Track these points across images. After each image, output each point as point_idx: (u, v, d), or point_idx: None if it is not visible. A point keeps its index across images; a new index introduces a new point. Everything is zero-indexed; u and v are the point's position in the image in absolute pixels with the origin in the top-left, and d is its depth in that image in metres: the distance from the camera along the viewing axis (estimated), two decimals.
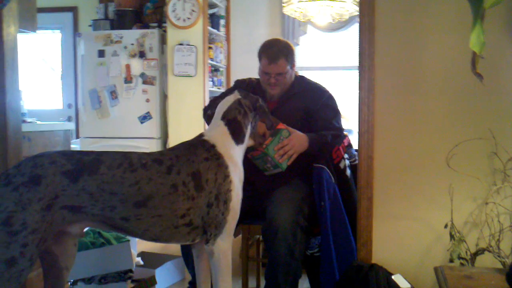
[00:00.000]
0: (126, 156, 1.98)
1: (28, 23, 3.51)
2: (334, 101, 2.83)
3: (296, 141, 2.54)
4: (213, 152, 2.10)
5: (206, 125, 2.70)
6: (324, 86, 2.88)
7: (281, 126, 2.53)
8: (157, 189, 1.95)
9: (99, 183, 1.87)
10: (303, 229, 2.46)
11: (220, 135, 2.18)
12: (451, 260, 1.99)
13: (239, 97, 2.29)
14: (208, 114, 2.39)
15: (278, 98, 2.78)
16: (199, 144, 2.13)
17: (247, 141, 2.31)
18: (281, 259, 2.41)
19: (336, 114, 2.80)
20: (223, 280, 2.12)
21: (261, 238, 3.21)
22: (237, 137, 2.22)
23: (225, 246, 2.10)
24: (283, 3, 4.77)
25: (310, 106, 2.73)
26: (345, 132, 3.16)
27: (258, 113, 2.32)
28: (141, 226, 1.97)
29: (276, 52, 2.70)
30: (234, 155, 2.18)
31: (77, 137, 5.85)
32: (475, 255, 2.02)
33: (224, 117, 2.24)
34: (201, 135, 2.21)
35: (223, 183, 2.06)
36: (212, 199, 2.04)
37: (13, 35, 2.69)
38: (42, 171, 1.81)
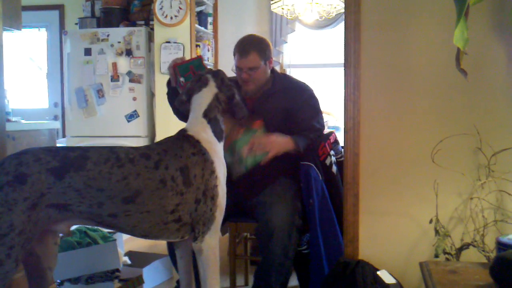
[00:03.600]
0: (113, 151, 1.94)
1: (13, 21, 3.48)
2: (315, 100, 2.79)
3: (270, 141, 2.51)
4: (199, 148, 2.09)
5: (173, 109, 2.65)
6: (306, 84, 2.85)
7: (258, 125, 2.53)
8: (145, 184, 1.92)
9: (86, 179, 1.83)
10: (297, 228, 2.47)
11: (203, 132, 2.17)
12: (437, 255, 2.00)
13: (216, 91, 2.26)
14: (183, 100, 2.33)
15: (259, 97, 2.75)
16: (185, 139, 2.12)
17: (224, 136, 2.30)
18: (276, 259, 2.42)
19: (316, 113, 2.77)
20: (212, 278, 2.10)
21: (248, 236, 3.21)
22: (218, 134, 2.22)
23: (213, 243, 2.09)
24: (271, 0, 4.77)
25: (290, 105, 2.70)
26: (331, 130, 3.16)
27: (233, 108, 2.30)
28: (130, 222, 1.94)
29: (247, 46, 2.68)
30: (218, 151, 2.18)
31: (64, 136, 5.81)
32: (460, 250, 2.03)
33: (205, 115, 2.22)
34: (184, 130, 2.19)
35: (210, 179, 2.06)
36: (200, 195, 2.02)
37: None
38: (27, 169, 1.76)
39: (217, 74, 2.32)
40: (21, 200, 1.73)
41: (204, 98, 2.25)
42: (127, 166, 1.91)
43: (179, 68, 2.48)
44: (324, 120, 2.97)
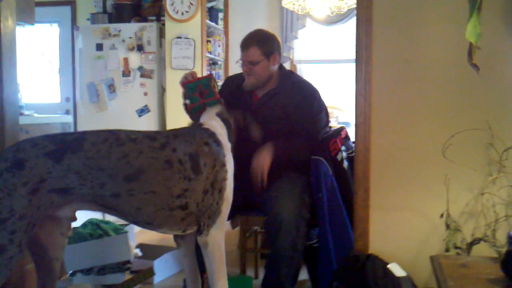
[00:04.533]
0: (112, 133, 1.94)
1: (26, 15, 3.50)
2: (314, 101, 2.74)
3: (257, 163, 2.56)
4: (214, 139, 2.11)
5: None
6: (309, 83, 2.82)
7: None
8: (148, 162, 1.90)
9: (84, 160, 1.82)
10: (306, 222, 2.48)
11: (219, 128, 2.22)
12: (447, 250, 2.01)
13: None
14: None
15: (262, 95, 2.76)
16: (200, 129, 2.14)
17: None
18: (285, 252, 2.43)
19: (312, 116, 2.71)
20: (219, 270, 2.10)
21: (258, 229, 3.23)
22: (230, 135, 2.27)
23: (219, 236, 2.08)
24: None
25: (288, 105, 2.69)
26: (342, 125, 3.16)
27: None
28: (134, 203, 1.91)
29: (249, 40, 2.70)
30: (229, 148, 2.21)
31: (75, 130, 5.86)
32: (471, 244, 2.04)
33: (219, 115, 2.28)
34: (200, 123, 2.23)
35: (220, 171, 2.06)
36: (208, 186, 2.02)
37: (11, 28, 2.69)
38: (24, 154, 1.78)
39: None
40: (20, 185, 1.74)
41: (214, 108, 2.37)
42: (128, 145, 1.90)
43: (187, 86, 2.47)
44: (335, 116, 2.97)
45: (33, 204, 1.76)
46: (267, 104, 2.69)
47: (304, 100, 2.71)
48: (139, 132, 2.00)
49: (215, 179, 2.04)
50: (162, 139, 1.99)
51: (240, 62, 2.74)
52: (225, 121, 2.29)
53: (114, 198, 1.88)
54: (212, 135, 2.13)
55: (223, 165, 2.08)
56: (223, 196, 2.07)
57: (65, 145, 1.83)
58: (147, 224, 2.02)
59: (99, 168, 1.84)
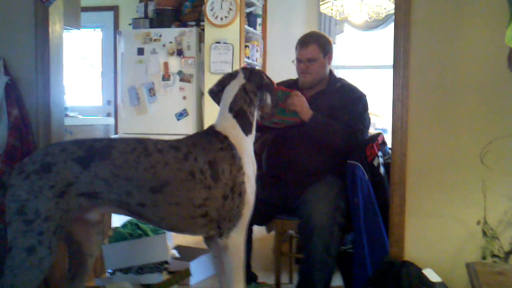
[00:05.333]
0: (140, 142, 1.96)
1: (73, 20, 3.64)
2: (360, 103, 2.78)
3: (300, 100, 2.61)
4: (227, 143, 2.06)
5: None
6: (359, 89, 2.86)
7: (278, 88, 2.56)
8: (174, 174, 1.92)
9: (112, 168, 1.86)
10: (339, 226, 2.48)
11: (231, 128, 2.13)
12: (484, 258, 1.98)
13: (244, 81, 2.21)
14: (214, 91, 2.31)
15: (311, 95, 2.79)
16: (213, 135, 2.10)
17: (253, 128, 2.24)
18: (318, 256, 2.44)
19: (355, 116, 2.74)
20: (237, 273, 2.08)
21: (293, 234, 3.24)
22: (246, 128, 2.16)
23: (239, 239, 2.07)
24: (320, 1, 4.79)
25: (336, 103, 2.74)
26: (379, 131, 3.15)
27: (264, 90, 2.23)
28: (158, 213, 1.95)
29: (308, 38, 2.80)
30: (246, 147, 2.13)
31: (116, 133, 5.99)
32: (508, 253, 2.01)
33: (231, 109, 2.16)
34: (212, 126, 2.17)
35: (238, 175, 2.02)
36: (228, 191, 2.00)
37: (58, 32, 2.80)
38: (52, 158, 1.84)
39: (248, 68, 2.35)
40: (46, 187, 1.79)
41: (231, 90, 2.21)
42: (155, 156, 1.92)
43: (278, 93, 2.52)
44: (371, 123, 2.96)
45: (60, 206, 1.82)
46: (315, 103, 2.71)
47: (351, 101, 2.77)
48: (165, 142, 2.02)
49: (234, 184, 2.01)
50: (185, 148, 1.99)
51: (296, 61, 2.80)
52: (238, 114, 2.16)
53: (139, 206, 1.93)
54: (225, 139, 2.08)
55: (240, 168, 2.04)
56: (244, 199, 2.04)
57: (93, 152, 1.88)
58: (170, 229, 2.10)
59: (126, 177, 1.88)
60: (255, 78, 2.22)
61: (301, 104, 2.61)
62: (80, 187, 1.85)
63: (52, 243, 1.80)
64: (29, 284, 1.80)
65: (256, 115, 2.25)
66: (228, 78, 2.26)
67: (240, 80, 2.21)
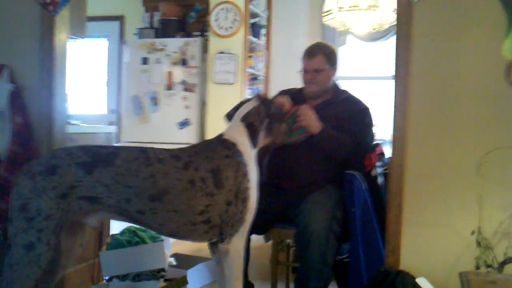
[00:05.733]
0: (143, 151, 2.03)
1: (78, 30, 3.68)
2: (365, 116, 2.82)
3: (309, 114, 2.61)
4: (234, 150, 2.14)
5: None
6: (363, 101, 2.89)
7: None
8: (173, 184, 1.99)
9: (114, 175, 1.93)
10: (336, 235, 2.50)
11: (239, 135, 2.24)
12: (478, 267, 1.99)
13: (257, 104, 2.34)
14: (231, 114, 2.47)
15: (316, 105, 2.81)
16: (219, 143, 2.18)
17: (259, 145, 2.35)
18: (314, 265, 2.44)
19: (362, 129, 2.78)
20: (236, 278, 2.14)
21: (291, 243, 3.25)
22: (253, 141, 2.27)
23: (240, 245, 2.13)
24: (323, 13, 4.82)
25: (341, 115, 2.76)
26: (378, 142, 3.17)
27: (272, 119, 2.35)
28: (157, 220, 2.00)
29: (315, 49, 2.83)
30: (251, 156, 2.23)
31: (118, 141, 6.03)
32: (503, 264, 2.01)
33: (243, 120, 2.29)
34: (221, 134, 2.26)
35: (243, 181, 2.10)
36: (232, 197, 2.06)
37: (63, 41, 2.84)
38: (58, 161, 1.92)
39: (262, 96, 2.44)
40: (49, 188, 1.87)
41: (245, 107, 2.35)
42: (156, 165, 1.99)
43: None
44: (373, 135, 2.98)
45: (61, 207, 1.89)
46: (320, 113, 2.72)
47: (357, 113, 2.80)
48: (166, 151, 2.08)
49: (238, 190, 2.08)
50: (186, 158, 2.06)
51: (302, 71, 2.83)
52: (249, 125, 2.29)
53: (138, 213, 1.99)
54: (232, 146, 2.16)
55: (245, 174, 2.12)
56: (247, 205, 2.11)
57: (97, 158, 1.95)
58: (170, 235, 2.13)
59: (126, 185, 1.95)
60: (267, 105, 2.36)
61: (310, 117, 2.62)
62: (82, 190, 1.92)
63: (51, 240, 1.88)
64: (27, 279, 1.86)
65: (262, 138, 2.35)
66: (243, 102, 2.45)
67: (254, 102, 2.36)
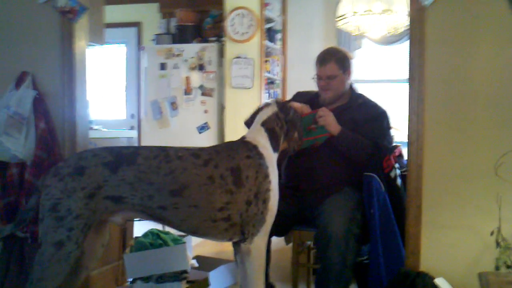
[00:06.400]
0: (163, 149, 2.10)
1: (97, 36, 3.75)
2: (383, 120, 2.83)
3: (328, 115, 2.63)
4: (256, 152, 2.19)
5: None
6: (380, 105, 2.90)
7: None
8: (192, 179, 2.04)
9: (137, 173, 2.00)
10: (355, 237, 2.51)
11: (261, 139, 2.29)
12: (497, 268, 2.00)
13: (276, 109, 2.38)
14: (249, 121, 2.50)
15: (333, 110, 2.82)
16: (242, 144, 2.24)
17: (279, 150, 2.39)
18: (334, 267, 2.46)
19: (381, 132, 2.79)
20: (258, 278, 2.18)
21: (311, 245, 3.27)
22: (274, 145, 2.32)
23: (262, 245, 2.17)
24: (338, 17, 4.84)
25: (359, 118, 2.77)
26: (397, 144, 3.18)
27: (289, 125, 2.39)
28: (179, 215, 2.06)
29: (327, 55, 2.83)
30: (272, 159, 2.27)
31: (138, 145, 6.11)
32: None
33: (263, 124, 2.34)
34: (243, 137, 2.32)
35: (263, 182, 2.14)
36: (252, 197, 2.11)
37: (83, 48, 2.90)
38: (85, 162, 1.99)
39: (280, 101, 2.50)
40: (79, 188, 1.95)
41: (265, 113, 2.39)
42: (175, 162, 2.06)
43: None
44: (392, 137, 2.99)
45: (89, 207, 1.96)
46: (338, 117, 2.74)
47: (375, 117, 2.80)
48: (187, 149, 2.15)
49: (258, 190, 2.12)
50: (205, 155, 2.12)
51: (316, 77, 2.85)
52: (269, 130, 2.33)
53: (160, 209, 2.05)
54: (254, 148, 2.21)
55: (266, 176, 2.16)
56: (268, 206, 2.14)
57: (121, 158, 2.03)
58: (192, 233, 2.18)
59: (148, 182, 2.01)
60: (285, 111, 2.40)
61: (329, 119, 2.65)
62: (108, 190, 1.99)
63: (79, 239, 1.95)
64: (56, 276, 1.93)
65: (282, 143, 2.39)
66: (261, 107, 2.46)
67: (273, 108, 2.39)
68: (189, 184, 2.04)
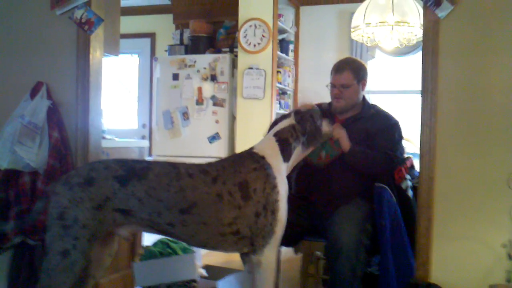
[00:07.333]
0: (174, 166, 2.10)
1: (112, 47, 3.79)
2: (396, 130, 2.81)
3: (340, 131, 2.64)
4: (262, 163, 2.18)
5: None
6: (393, 116, 2.89)
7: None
8: (201, 197, 2.05)
9: (147, 188, 2.01)
10: (365, 248, 2.49)
11: (270, 149, 2.28)
12: (509, 280, 1.98)
13: (294, 122, 2.37)
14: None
15: (345, 120, 2.84)
16: (248, 156, 2.23)
17: (292, 162, 2.37)
18: (344, 278, 2.44)
19: (393, 144, 2.78)
20: None
21: (321, 255, 3.26)
22: (285, 155, 2.30)
23: (272, 256, 2.15)
24: (352, 28, 4.86)
25: (372, 129, 2.77)
26: (409, 155, 3.17)
27: (309, 137, 2.37)
28: (187, 232, 2.07)
29: (343, 64, 2.85)
30: (281, 169, 2.25)
31: (150, 155, 6.14)
32: None
33: (276, 135, 2.33)
34: (251, 148, 2.31)
35: (271, 193, 2.13)
36: (260, 209, 2.10)
37: (98, 59, 2.93)
38: (96, 174, 2.01)
39: (301, 112, 2.44)
40: (87, 199, 1.96)
41: (281, 124, 2.39)
42: (186, 180, 2.06)
43: None
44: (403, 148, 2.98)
45: (97, 218, 1.97)
46: (349, 128, 2.74)
47: (387, 128, 2.79)
48: (196, 166, 2.15)
49: (267, 201, 2.11)
50: (214, 172, 2.12)
51: (330, 85, 2.87)
52: (281, 141, 2.32)
53: (169, 226, 2.06)
54: (260, 159, 2.20)
55: (274, 187, 2.15)
56: (277, 217, 2.13)
57: (132, 172, 2.03)
58: (200, 246, 2.18)
59: (158, 199, 2.02)
60: (304, 124, 2.37)
61: (343, 135, 2.65)
62: (117, 202, 2.00)
63: (85, 249, 1.96)
64: (62, 285, 1.94)
65: (297, 151, 2.37)
66: (280, 118, 2.47)
67: (291, 120, 2.38)
68: (198, 202, 2.05)
